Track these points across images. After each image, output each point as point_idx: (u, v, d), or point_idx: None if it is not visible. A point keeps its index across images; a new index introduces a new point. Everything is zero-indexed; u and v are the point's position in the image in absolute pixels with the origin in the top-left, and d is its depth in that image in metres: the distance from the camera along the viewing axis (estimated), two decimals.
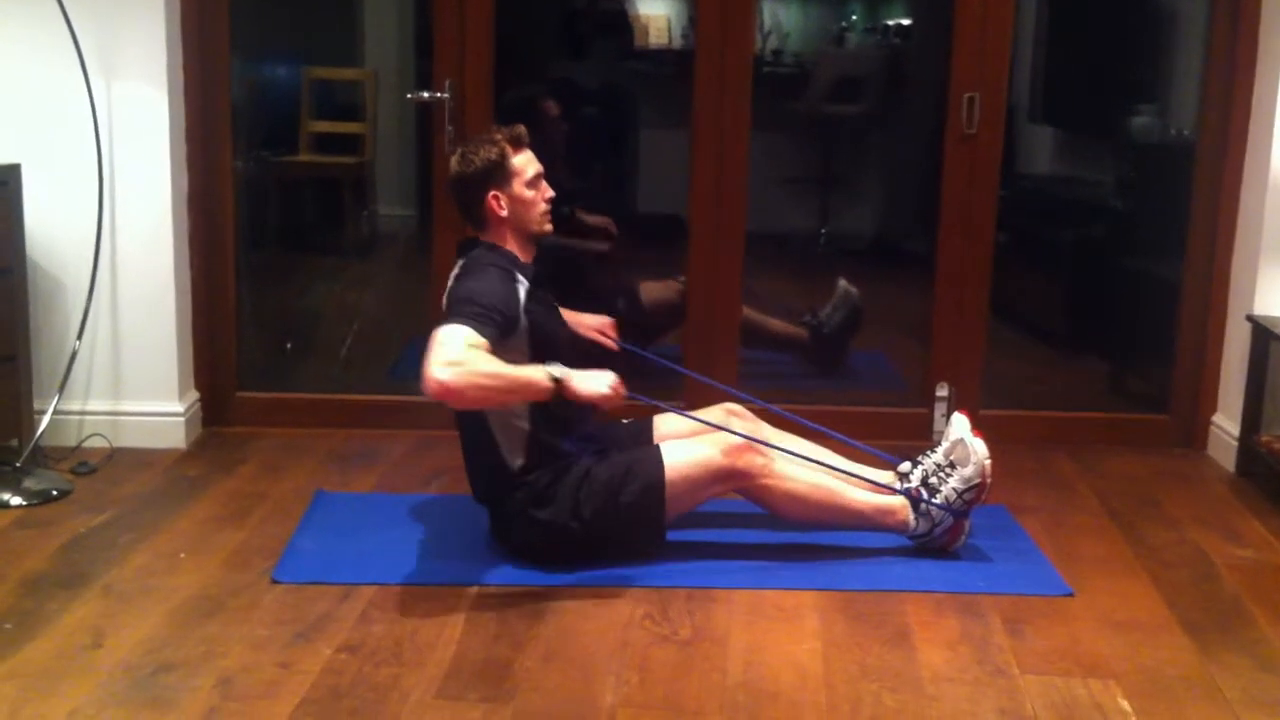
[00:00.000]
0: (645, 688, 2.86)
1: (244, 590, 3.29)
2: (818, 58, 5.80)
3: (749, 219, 4.52)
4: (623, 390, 3.25)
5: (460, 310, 3.18)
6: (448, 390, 3.03)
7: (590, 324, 3.84)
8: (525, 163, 3.48)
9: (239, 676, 2.85)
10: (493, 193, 3.44)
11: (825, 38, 6.00)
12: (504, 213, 3.45)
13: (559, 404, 3.19)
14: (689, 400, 4.12)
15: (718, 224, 4.50)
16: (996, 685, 2.90)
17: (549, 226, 3.53)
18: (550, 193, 3.52)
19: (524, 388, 3.16)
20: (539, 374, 3.15)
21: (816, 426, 3.86)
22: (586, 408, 3.33)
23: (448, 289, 3.39)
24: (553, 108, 4.89)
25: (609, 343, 3.82)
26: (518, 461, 3.41)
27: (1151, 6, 5.20)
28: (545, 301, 3.52)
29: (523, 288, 3.38)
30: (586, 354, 3.60)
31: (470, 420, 3.46)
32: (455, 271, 3.44)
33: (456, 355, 3.06)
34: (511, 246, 3.48)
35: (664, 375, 4.18)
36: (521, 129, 3.50)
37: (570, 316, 3.78)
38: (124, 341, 4.27)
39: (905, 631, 3.15)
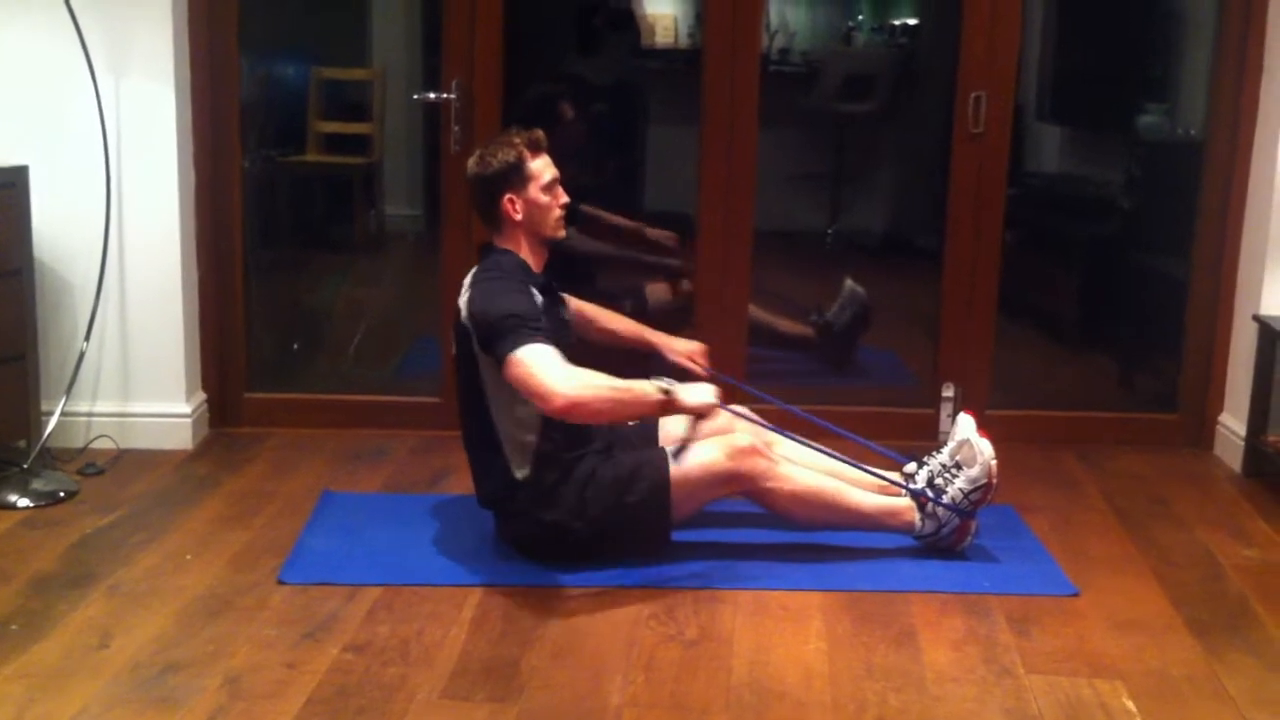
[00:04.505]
0: (651, 687, 2.86)
1: (251, 590, 3.30)
2: (825, 56, 5.79)
3: (757, 217, 4.52)
4: (721, 403, 3.36)
5: (519, 327, 3.20)
6: (578, 405, 3.13)
7: (681, 350, 3.84)
8: (542, 167, 3.48)
9: (246, 676, 2.86)
10: (508, 195, 3.45)
11: (833, 36, 6.00)
12: (518, 216, 3.46)
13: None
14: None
15: (726, 222, 4.50)
16: (1002, 685, 2.90)
17: (562, 232, 3.54)
18: (565, 198, 3.52)
19: (639, 400, 3.23)
20: (650, 387, 3.23)
21: (829, 425, 3.84)
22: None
23: (470, 294, 3.38)
24: (568, 110, 4.88)
25: (699, 370, 3.79)
26: (523, 472, 3.41)
27: (1161, 5, 5.19)
28: (554, 314, 3.53)
29: (537, 300, 3.40)
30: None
31: (476, 431, 3.46)
32: (471, 277, 3.44)
33: (566, 371, 3.15)
34: (524, 250, 3.49)
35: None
36: (540, 133, 3.51)
37: (660, 339, 3.82)
38: (131, 342, 4.28)
39: (911, 631, 3.15)
